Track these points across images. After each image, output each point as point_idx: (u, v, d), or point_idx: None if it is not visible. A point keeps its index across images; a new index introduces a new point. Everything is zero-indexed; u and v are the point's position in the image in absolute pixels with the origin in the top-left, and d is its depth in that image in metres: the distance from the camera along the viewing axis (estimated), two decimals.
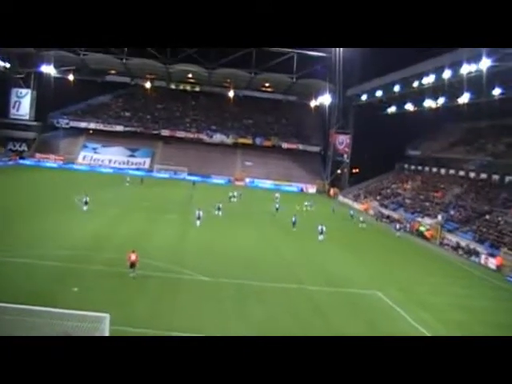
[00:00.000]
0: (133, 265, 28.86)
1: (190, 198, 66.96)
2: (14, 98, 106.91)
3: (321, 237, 48.38)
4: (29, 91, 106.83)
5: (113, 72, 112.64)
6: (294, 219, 52.62)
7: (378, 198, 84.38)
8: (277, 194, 78.80)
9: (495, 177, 67.66)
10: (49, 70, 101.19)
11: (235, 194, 74.43)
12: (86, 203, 50.58)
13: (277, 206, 66.53)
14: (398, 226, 60.25)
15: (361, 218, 63.01)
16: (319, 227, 49.10)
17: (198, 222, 48.75)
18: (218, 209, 56.93)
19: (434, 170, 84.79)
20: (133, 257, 28.93)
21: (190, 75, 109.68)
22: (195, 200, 65.28)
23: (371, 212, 77.30)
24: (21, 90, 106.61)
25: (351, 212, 70.61)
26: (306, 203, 71.34)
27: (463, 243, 51.82)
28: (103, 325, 17.30)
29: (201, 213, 49.57)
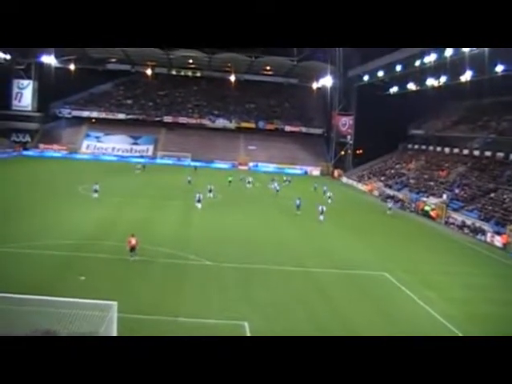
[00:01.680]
0: (133, 248, 29.51)
1: (188, 183, 66.82)
2: (15, 90, 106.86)
3: (321, 217, 48.67)
4: (30, 82, 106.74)
5: (113, 60, 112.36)
6: (298, 202, 52.43)
7: (382, 178, 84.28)
8: (275, 178, 79.71)
9: (500, 154, 67.37)
10: (49, 60, 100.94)
11: (250, 179, 74.34)
12: (96, 191, 51.34)
13: (277, 187, 67.87)
14: (389, 205, 60.18)
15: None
16: (319, 207, 49.47)
17: (199, 205, 49.69)
18: (210, 191, 57.85)
19: (438, 149, 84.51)
20: (133, 241, 29.53)
21: (190, 61, 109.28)
22: (195, 184, 65.30)
23: (375, 193, 77.27)
24: (22, 81, 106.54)
25: (315, 185, 74.42)
26: (285, 178, 74.49)
27: (469, 222, 51.78)
28: (111, 313, 17.42)
29: (201, 196, 50.76)
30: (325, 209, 49.31)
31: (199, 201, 50.04)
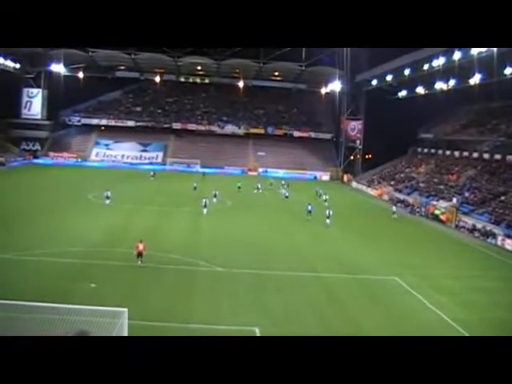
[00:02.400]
0: (140, 254, 29.72)
1: (194, 189, 66.86)
2: (25, 98, 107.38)
3: (328, 221, 48.83)
4: (40, 90, 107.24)
5: (122, 68, 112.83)
6: (309, 208, 52.27)
7: (392, 182, 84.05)
8: (283, 182, 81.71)
9: (510, 157, 67.06)
10: (58, 68, 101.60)
11: (259, 185, 74.44)
12: (108, 198, 52.11)
13: (286, 193, 68.16)
14: (394, 208, 59.99)
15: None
16: (327, 211, 49.72)
17: (204, 210, 50.13)
18: (214, 196, 58.03)
19: (448, 152, 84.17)
20: (140, 246, 29.79)
21: (198, 67, 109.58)
22: (201, 190, 65.15)
23: (385, 197, 77.08)
24: (32, 90, 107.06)
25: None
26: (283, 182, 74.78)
27: (479, 225, 51.53)
28: (122, 319, 17.48)
29: (207, 201, 51.38)
30: (331, 213, 49.34)
31: (205, 206, 50.53)
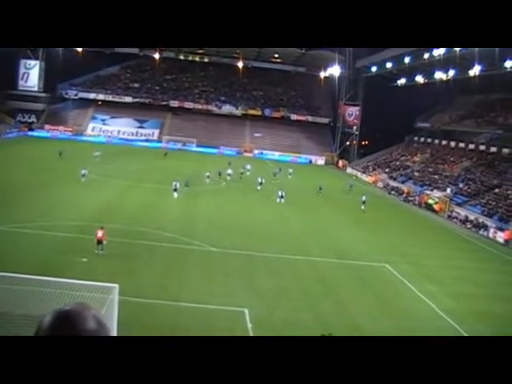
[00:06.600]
0: (99, 242, 27.54)
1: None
2: (22, 70, 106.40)
3: (280, 200, 50.34)
4: (37, 62, 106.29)
5: None
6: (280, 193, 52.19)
7: (387, 170, 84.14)
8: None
9: (505, 150, 67.11)
10: None
11: (248, 167, 71.14)
12: (84, 176, 50.14)
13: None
14: (363, 198, 53.03)
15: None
16: (279, 192, 50.86)
17: (175, 194, 47.35)
18: (187, 184, 50.96)
19: (444, 142, 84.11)
20: (99, 233, 27.62)
21: None
22: (174, 171, 61.16)
23: (380, 184, 77.21)
24: (29, 62, 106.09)
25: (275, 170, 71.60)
26: (244, 169, 69.62)
27: (472, 217, 51.75)
28: (112, 295, 17.52)
29: (177, 184, 47.88)
30: (284, 194, 50.58)
31: (175, 189, 47.42)
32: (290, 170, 73.89)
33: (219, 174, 62.08)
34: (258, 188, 56.66)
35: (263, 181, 57.98)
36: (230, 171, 63.47)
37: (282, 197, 50.26)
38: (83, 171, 50.37)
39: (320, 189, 59.48)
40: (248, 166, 69.78)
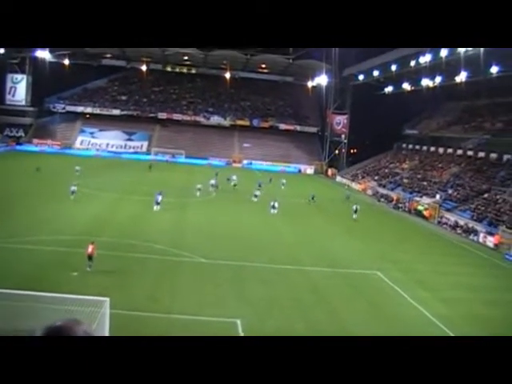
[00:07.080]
0: (90, 257, 26.86)
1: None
2: (9, 84, 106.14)
3: (273, 211, 49.60)
4: (24, 76, 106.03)
5: (108, 55, 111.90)
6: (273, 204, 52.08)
7: (376, 177, 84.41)
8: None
9: (493, 155, 67.56)
10: (44, 54, 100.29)
11: (234, 177, 68.94)
12: (73, 192, 47.28)
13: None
14: (354, 207, 52.26)
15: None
16: (271, 203, 50.19)
17: (156, 207, 45.45)
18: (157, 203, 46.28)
19: (432, 149, 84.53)
20: (89, 249, 26.99)
21: (185, 57, 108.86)
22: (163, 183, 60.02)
23: (369, 192, 77.40)
24: (16, 76, 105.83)
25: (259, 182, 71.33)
26: (230, 180, 68.41)
27: (461, 222, 51.96)
28: (103, 309, 17.41)
29: (160, 197, 45.75)
30: (277, 205, 49.83)
31: (158, 203, 45.38)
32: (284, 181, 73.09)
33: (211, 185, 61.40)
34: (255, 200, 56.33)
35: (259, 193, 57.64)
36: (213, 181, 62.70)
37: (274, 207, 49.70)
38: (72, 187, 47.79)
39: (312, 198, 59.50)
40: (234, 177, 69.15)
